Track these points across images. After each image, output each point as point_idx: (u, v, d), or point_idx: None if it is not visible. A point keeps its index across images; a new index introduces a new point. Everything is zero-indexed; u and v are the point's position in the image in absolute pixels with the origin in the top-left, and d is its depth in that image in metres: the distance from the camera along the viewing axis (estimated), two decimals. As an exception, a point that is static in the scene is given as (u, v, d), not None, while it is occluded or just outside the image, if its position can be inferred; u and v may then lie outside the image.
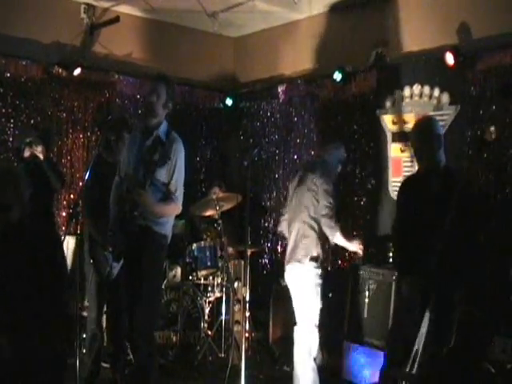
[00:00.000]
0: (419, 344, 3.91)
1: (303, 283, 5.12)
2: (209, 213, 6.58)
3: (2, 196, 3.47)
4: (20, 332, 3.34)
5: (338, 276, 6.74)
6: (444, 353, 4.03)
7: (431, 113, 6.22)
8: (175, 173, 4.46)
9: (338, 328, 6.14)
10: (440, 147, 4.29)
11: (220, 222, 6.38)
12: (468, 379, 4.62)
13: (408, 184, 4.52)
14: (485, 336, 4.86)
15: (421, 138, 4.33)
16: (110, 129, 5.50)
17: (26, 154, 5.68)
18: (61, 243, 5.83)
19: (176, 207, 4.55)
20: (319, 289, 5.14)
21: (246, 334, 5.69)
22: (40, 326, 3.40)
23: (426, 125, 4.44)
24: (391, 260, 5.91)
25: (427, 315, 3.89)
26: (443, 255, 3.87)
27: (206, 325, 6.26)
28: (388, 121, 6.61)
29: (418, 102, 6.36)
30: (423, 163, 4.33)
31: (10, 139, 6.70)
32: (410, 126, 6.36)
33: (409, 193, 4.38)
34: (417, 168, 4.49)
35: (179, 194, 4.51)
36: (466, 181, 4.13)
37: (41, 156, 5.65)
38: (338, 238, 5.13)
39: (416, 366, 3.90)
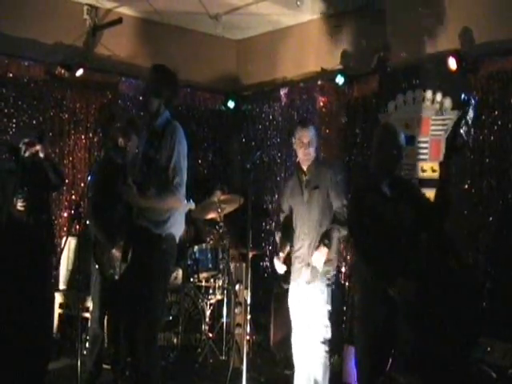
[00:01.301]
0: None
1: None
2: (211, 215, 6.58)
3: None
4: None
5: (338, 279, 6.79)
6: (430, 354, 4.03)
7: (433, 117, 6.25)
8: (172, 160, 4.26)
9: (339, 331, 6.16)
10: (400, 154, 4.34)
11: (222, 224, 6.39)
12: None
13: (362, 189, 4.47)
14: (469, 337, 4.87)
15: (387, 145, 4.30)
16: (118, 130, 5.51)
17: (26, 154, 5.68)
18: (52, 241, 5.91)
19: (176, 199, 4.30)
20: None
21: (247, 337, 5.68)
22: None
23: (393, 133, 4.39)
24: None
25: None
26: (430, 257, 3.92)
27: (206, 327, 6.27)
28: (390, 125, 6.61)
29: (420, 106, 6.37)
30: (383, 168, 4.32)
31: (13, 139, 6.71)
32: (411, 130, 6.40)
33: (371, 196, 4.32)
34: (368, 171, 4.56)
35: (178, 182, 4.27)
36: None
37: (41, 154, 5.66)
38: None
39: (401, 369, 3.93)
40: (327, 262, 4.93)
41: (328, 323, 4.97)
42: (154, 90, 4.38)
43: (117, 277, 5.14)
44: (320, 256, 4.89)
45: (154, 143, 4.32)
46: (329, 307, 4.98)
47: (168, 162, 4.27)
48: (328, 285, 4.98)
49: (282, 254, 5.13)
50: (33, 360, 3.43)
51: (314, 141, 5.06)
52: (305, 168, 5.10)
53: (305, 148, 5.03)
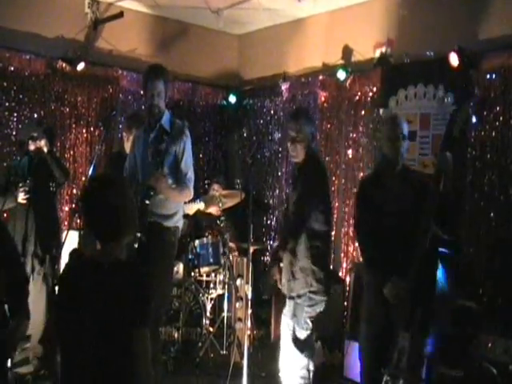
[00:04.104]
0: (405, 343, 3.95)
1: None
2: (211, 209, 6.58)
3: None
4: None
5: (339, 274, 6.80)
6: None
7: (434, 112, 6.24)
8: (184, 156, 4.51)
9: (340, 326, 6.17)
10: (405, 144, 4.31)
11: (223, 218, 6.39)
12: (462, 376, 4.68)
13: (367, 183, 4.49)
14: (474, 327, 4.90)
15: (393, 134, 4.26)
16: (125, 125, 5.60)
17: (31, 147, 5.68)
18: (58, 237, 5.90)
19: (188, 192, 4.56)
20: None
21: (248, 332, 5.65)
22: None
23: (397, 123, 4.34)
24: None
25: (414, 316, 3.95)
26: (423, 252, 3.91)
27: (207, 322, 6.27)
28: (391, 120, 6.60)
29: (421, 101, 6.36)
30: (389, 158, 4.30)
31: (14, 133, 6.71)
32: (413, 125, 6.39)
33: (370, 191, 4.33)
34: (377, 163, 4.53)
35: (190, 177, 4.54)
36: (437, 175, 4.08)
37: (44, 149, 5.66)
38: None
39: (404, 364, 3.94)
40: (292, 278, 4.55)
41: (299, 336, 4.52)
42: (164, 94, 4.55)
43: None
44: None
45: (163, 140, 4.43)
46: (292, 322, 4.55)
47: (180, 159, 4.49)
48: (291, 297, 4.56)
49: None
50: None
51: (302, 136, 4.55)
52: (296, 165, 4.74)
53: (291, 142, 4.60)
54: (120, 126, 5.78)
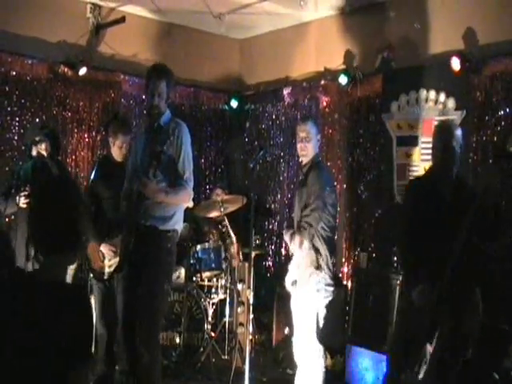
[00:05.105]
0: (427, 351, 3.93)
1: None
2: (213, 214, 6.57)
3: None
4: None
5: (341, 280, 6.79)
6: (459, 364, 3.99)
7: (436, 118, 6.24)
8: (181, 155, 4.37)
9: (341, 331, 6.16)
10: (459, 153, 4.18)
11: (225, 223, 6.39)
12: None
13: (418, 186, 4.39)
14: (504, 348, 4.84)
15: (446, 140, 4.13)
16: (110, 130, 5.60)
17: (34, 152, 5.69)
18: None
19: (187, 193, 4.43)
20: None
21: (250, 337, 5.65)
22: None
23: (452, 129, 4.24)
24: (398, 266, 5.92)
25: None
26: (459, 264, 3.85)
27: (209, 326, 6.26)
28: (393, 125, 6.62)
29: (423, 106, 6.37)
30: (440, 166, 4.19)
31: (16, 137, 6.71)
32: (415, 130, 6.41)
33: (420, 196, 4.22)
34: (428, 169, 4.43)
35: (188, 177, 4.40)
36: (484, 190, 3.94)
37: (44, 152, 5.66)
38: None
39: (423, 372, 3.91)
40: (315, 271, 4.70)
41: (312, 326, 4.76)
42: (166, 96, 4.47)
43: (105, 277, 5.14)
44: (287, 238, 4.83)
45: (160, 140, 4.36)
46: (312, 310, 4.76)
47: (177, 158, 4.37)
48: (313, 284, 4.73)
49: None
50: None
51: (311, 136, 4.88)
52: (303, 165, 4.96)
53: (301, 142, 4.89)
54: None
